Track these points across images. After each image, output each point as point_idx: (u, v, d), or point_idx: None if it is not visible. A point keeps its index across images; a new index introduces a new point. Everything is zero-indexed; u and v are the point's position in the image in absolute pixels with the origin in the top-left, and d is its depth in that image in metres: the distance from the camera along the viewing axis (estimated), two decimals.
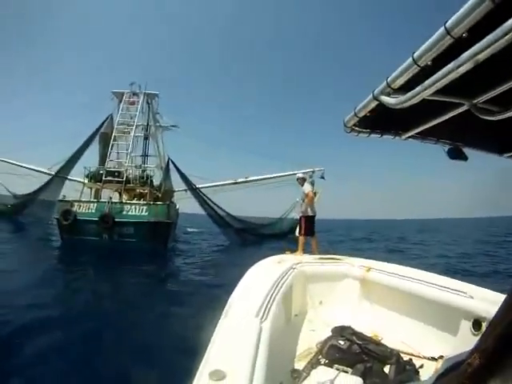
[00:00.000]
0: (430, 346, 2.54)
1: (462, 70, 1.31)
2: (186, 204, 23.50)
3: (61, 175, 17.22)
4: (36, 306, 5.72)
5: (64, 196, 15.73)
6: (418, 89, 1.55)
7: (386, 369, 2.17)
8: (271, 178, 21.39)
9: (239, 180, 21.49)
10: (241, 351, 1.43)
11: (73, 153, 17.25)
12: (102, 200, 15.74)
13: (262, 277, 2.85)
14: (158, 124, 22.05)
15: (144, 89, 19.53)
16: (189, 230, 28.40)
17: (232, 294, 2.28)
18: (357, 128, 2.34)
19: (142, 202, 16.32)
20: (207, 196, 19.86)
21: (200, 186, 19.90)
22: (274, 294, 2.37)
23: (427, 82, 1.49)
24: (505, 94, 1.56)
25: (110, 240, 14.61)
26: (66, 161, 17.22)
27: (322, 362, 2.21)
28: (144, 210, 15.14)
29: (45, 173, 18.06)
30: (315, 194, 6.51)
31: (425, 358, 2.42)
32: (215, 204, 19.84)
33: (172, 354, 3.97)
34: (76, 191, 16.71)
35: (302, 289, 3.45)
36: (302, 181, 6.57)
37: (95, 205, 15.09)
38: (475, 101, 1.72)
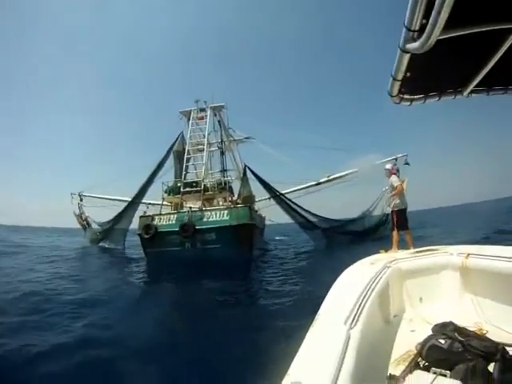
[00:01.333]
0: None
1: None
2: (268, 214, 22.55)
3: (137, 201, 17.51)
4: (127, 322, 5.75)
5: (145, 212, 15.75)
6: (432, 16, 1.26)
7: (491, 367, 1.64)
8: (354, 172, 19.26)
9: (322, 180, 19.59)
10: (324, 362, 1.31)
11: (147, 177, 17.49)
12: (182, 210, 15.29)
13: (354, 281, 2.52)
14: (231, 138, 22.03)
15: (211, 102, 19.74)
16: (276, 238, 27.67)
17: (322, 303, 2.04)
18: (406, 96, 2.22)
19: (221, 206, 15.28)
20: (291, 200, 18.34)
21: (284, 191, 18.61)
22: (366, 298, 2.09)
23: (437, 2, 1.20)
24: None
25: (194, 248, 13.72)
26: (140, 187, 17.51)
27: (422, 365, 1.84)
28: (225, 215, 14.09)
29: (125, 201, 18.72)
30: (403, 182, 6.11)
31: None
32: (299, 206, 18.16)
33: (255, 369, 3.53)
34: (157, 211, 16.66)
35: (399, 287, 3.07)
36: (389, 173, 6.17)
37: (175, 216, 14.58)
38: None
